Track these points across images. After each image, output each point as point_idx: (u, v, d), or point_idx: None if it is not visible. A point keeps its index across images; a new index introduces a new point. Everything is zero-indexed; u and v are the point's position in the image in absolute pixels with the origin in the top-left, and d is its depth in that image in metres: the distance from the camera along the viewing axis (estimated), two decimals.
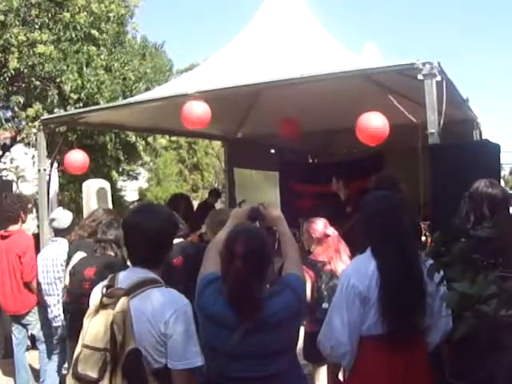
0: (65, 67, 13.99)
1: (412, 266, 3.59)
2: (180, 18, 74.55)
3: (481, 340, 2.73)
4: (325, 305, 5.45)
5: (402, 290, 3.52)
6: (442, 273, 3.07)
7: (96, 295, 3.15)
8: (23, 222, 7.57)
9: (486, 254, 2.71)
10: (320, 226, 5.82)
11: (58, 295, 6.82)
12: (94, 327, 2.95)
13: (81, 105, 14.00)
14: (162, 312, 2.98)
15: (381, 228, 3.69)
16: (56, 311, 6.84)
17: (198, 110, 7.09)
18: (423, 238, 6.52)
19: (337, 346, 3.58)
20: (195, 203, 12.17)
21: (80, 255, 5.78)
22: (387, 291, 3.52)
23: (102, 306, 2.98)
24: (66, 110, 13.36)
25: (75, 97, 14.09)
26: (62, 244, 6.77)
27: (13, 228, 7.37)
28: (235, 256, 3.12)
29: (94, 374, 2.87)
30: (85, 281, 5.13)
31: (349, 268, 3.93)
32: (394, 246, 3.63)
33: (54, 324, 6.92)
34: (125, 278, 3.14)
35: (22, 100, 14.20)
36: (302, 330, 3.76)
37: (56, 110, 14.07)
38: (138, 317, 2.93)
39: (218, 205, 15.01)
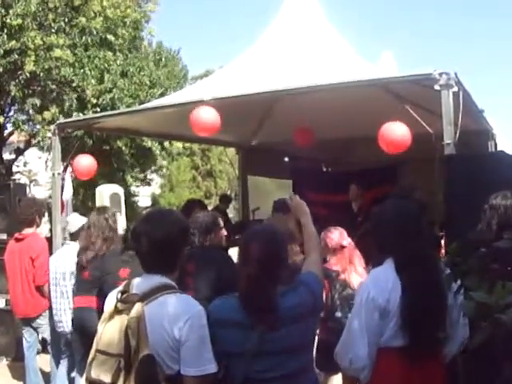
0: (88, 72, 14.10)
1: (434, 278, 3.52)
2: (195, 23, 74.92)
3: (497, 349, 2.71)
4: (337, 314, 5.47)
5: (425, 302, 3.45)
6: (459, 282, 3.06)
7: (110, 301, 3.14)
8: (38, 226, 7.61)
9: (505, 264, 2.70)
10: (336, 236, 5.81)
11: (62, 298, 6.81)
12: (109, 332, 2.94)
13: (98, 110, 14.11)
14: (176, 318, 2.96)
15: (403, 238, 3.59)
16: (58, 317, 6.81)
17: (207, 116, 7.03)
18: None
19: (356, 360, 3.50)
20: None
21: None
22: (410, 304, 3.44)
23: (117, 311, 2.96)
24: (84, 115, 13.43)
25: (95, 101, 14.19)
26: (72, 248, 6.74)
27: (27, 231, 7.41)
28: (250, 259, 3.16)
29: (107, 379, 2.86)
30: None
31: (368, 280, 3.85)
32: (417, 258, 3.55)
33: (57, 329, 6.89)
34: (140, 283, 3.13)
35: (38, 102, 14.29)
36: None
37: (75, 113, 14.16)
38: (152, 322, 2.92)
39: (230, 211, 15.06)
